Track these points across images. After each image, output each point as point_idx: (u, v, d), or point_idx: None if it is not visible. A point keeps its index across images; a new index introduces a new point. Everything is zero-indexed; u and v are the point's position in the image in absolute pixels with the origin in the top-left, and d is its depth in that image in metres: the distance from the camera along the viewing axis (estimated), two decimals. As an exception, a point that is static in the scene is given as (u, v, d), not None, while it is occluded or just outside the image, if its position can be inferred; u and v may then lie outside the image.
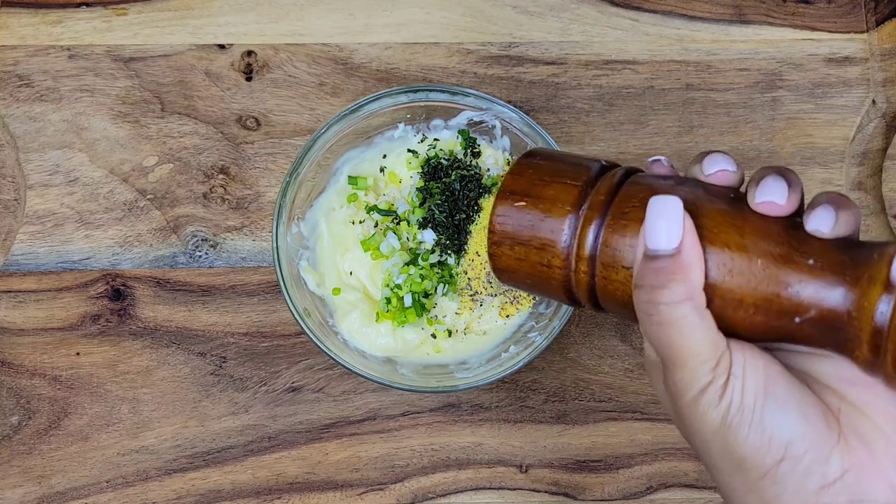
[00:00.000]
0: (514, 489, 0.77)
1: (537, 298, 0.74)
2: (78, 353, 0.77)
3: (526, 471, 0.77)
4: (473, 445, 0.77)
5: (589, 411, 0.77)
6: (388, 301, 0.72)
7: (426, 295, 0.72)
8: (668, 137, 0.81)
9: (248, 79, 0.81)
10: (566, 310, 0.70)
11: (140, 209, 0.79)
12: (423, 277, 0.72)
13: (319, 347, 0.69)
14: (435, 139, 0.76)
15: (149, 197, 0.79)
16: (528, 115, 0.80)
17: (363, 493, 0.76)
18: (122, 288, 0.78)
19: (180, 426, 0.76)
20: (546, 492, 0.76)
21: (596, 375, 0.78)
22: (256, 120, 0.80)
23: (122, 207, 0.79)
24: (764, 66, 0.82)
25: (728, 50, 0.82)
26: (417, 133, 0.77)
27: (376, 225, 0.74)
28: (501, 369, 0.70)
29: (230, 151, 0.80)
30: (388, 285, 0.72)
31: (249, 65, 0.81)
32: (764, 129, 0.81)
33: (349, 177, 0.75)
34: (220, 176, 0.79)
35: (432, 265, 0.73)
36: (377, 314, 0.73)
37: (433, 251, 0.73)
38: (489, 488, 0.76)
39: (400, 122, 0.76)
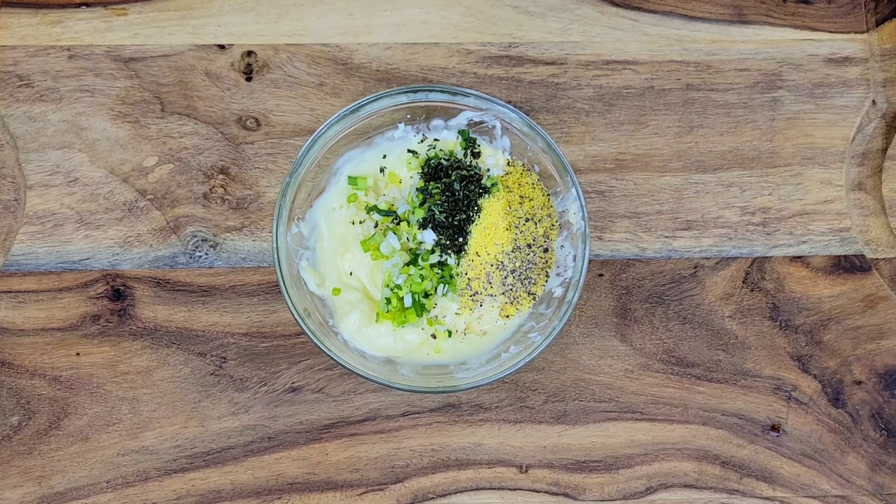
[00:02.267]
0: (514, 489, 0.76)
1: (538, 299, 0.73)
2: (78, 354, 0.76)
3: (526, 471, 0.77)
4: (473, 445, 0.77)
5: (589, 412, 0.77)
6: (388, 301, 0.72)
7: (426, 295, 0.72)
8: (668, 138, 0.81)
9: (248, 79, 0.80)
10: (566, 310, 0.70)
11: (140, 209, 0.79)
12: (423, 278, 0.71)
13: (319, 348, 0.69)
14: (435, 139, 0.76)
15: (149, 197, 0.79)
16: (528, 115, 0.80)
17: (363, 493, 0.76)
18: (121, 288, 0.77)
19: (180, 426, 0.76)
20: (546, 492, 0.76)
21: (596, 376, 0.78)
22: (256, 120, 0.80)
23: (122, 208, 0.78)
24: (764, 66, 0.82)
25: (728, 50, 0.82)
26: (417, 133, 0.77)
27: (376, 225, 0.74)
28: (501, 369, 0.69)
29: (230, 151, 0.80)
30: (388, 285, 0.72)
31: (249, 65, 0.81)
32: (764, 129, 0.81)
33: (349, 177, 0.75)
34: (220, 176, 0.79)
35: (432, 265, 0.72)
36: (377, 314, 0.73)
37: (433, 251, 0.72)
38: (489, 488, 0.76)
39: (400, 123, 0.76)
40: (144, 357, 0.77)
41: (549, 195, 0.75)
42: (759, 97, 0.82)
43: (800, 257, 0.80)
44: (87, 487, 0.75)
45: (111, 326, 0.77)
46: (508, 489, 0.76)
